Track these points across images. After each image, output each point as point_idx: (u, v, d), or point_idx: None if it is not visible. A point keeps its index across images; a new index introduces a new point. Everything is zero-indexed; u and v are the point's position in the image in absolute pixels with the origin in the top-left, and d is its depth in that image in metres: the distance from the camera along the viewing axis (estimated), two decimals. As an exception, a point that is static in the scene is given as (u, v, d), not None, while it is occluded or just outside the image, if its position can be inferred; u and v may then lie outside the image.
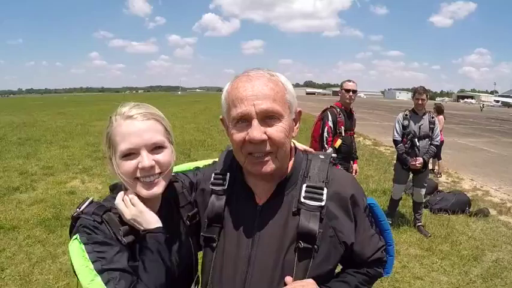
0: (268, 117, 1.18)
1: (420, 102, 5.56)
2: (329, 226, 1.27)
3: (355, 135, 5.65)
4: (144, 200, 1.28)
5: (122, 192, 1.30)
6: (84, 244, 1.15)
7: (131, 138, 1.22)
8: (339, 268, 1.47)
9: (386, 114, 33.35)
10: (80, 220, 1.21)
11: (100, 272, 1.13)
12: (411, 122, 5.66)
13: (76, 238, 1.17)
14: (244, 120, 1.18)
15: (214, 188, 1.39)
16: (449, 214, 6.62)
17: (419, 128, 5.62)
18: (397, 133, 5.74)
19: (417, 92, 5.60)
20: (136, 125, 1.24)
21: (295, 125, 1.31)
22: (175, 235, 1.38)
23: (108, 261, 1.14)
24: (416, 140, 5.62)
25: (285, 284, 1.24)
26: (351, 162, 5.55)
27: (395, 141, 5.82)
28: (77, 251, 1.16)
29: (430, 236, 5.70)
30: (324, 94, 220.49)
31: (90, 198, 1.28)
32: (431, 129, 5.65)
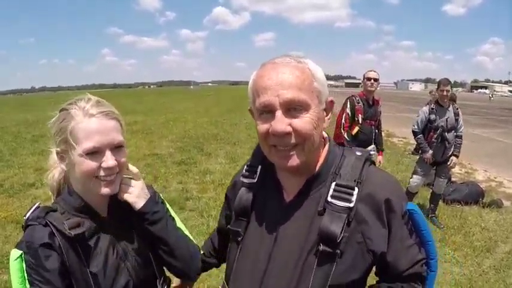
0: (293, 108, 1.09)
1: (445, 93, 5.45)
2: (357, 231, 1.15)
3: (379, 126, 5.71)
4: (97, 198, 1.30)
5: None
6: (28, 267, 1.15)
7: (97, 136, 1.21)
8: (373, 280, 1.33)
9: (399, 105, 33.06)
10: (28, 230, 1.20)
11: None
12: (438, 116, 5.55)
13: (21, 256, 1.16)
14: (269, 111, 1.11)
15: (244, 180, 1.34)
16: (462, 205, 6.57)
17: (447, 121, 5.54)
18: (418, 125, 5.66)
19: (441, 84, 5.49)
20: (102, 124, 1.23)
21: (327, 115, 1.21)
22: (129, 238, 1.38)
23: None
24: (445, 133, 5.55)
25: None
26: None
27: (414, 132, 5.73)
28: (18, 269, 1.16)
29: (443, 227, 5.68)
30: (337, 86, 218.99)
31: (37, 203, 1.27)
32: (457, 121, 5.60)
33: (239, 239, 1.29)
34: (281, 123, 1.08)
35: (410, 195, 6.01)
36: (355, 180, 1.17)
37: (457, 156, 5.72)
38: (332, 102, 1.22)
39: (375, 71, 5.38)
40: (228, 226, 1.35)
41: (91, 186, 1.24)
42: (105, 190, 1.25)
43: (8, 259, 1.21)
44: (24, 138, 14.61)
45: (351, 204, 1.14)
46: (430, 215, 5.92)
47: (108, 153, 1.23)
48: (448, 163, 5.70)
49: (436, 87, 5.77)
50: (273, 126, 1.09)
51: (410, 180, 6.01)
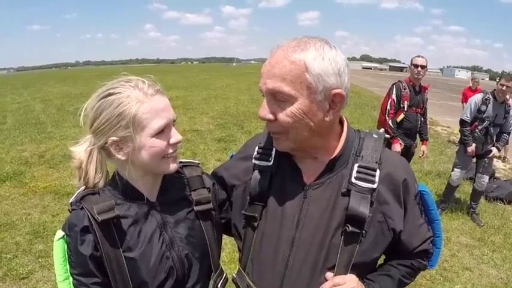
0: (277, 98, 1.09)
1: (505, 88, 5.07)
2: (379, 211, 1.19)
3: (425, 115, 5.40)
4: (150, 183, 1.27)
5: None
6: (68, 248, 1.19)
7: (164, 113, 1.17)
8: (381, 259, 1.40)
9: (444, 92, 31.71)
10: (71, 213, 1.20)
11: (73, 275, 1.19)
12: (489, 108, 5.21)
13: (63, 237, 1.20)
14: (263, 96, 1.15)
15: (257, 163, 1.30)
16: (504, 204, 6.28)
17: (496, 116, 5.22)
18: (469, 114, 5.33)
19: (503, 78, 5.10)
20: (164, 100, 1.20)
21: (331, 108, 1.12)
22: (179, 226, 1.31)
23: (83, 274, 1.18)
24: (491, 128, 5.27)
25: (326, 280, 1.18)
26: (416, 141, 5.43)
27: (463, 122, 5.38)
28: (61, 249, 1.20)
29: (483, 226, 5.44)
30: (381, 69, 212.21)
31: (82, 187, 1.23)
32: (505, 118, 5.26)
33: (255, 224, 1.28)
34: (263, 109, 1.13)
35: (452, 188, 5.80)
36: (376, 162, 1.20)
37: (498, 149, 5.43)
38: (339, 95, 1.10)
39: (422, 57, 5.08)
40: (243, 211, 1.31)
41: (160, 166, 1.21)
42: (173, 166, 1.24)
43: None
44: (67, 110, 14.94)
45: (374, 186, 1.17)
46: (470, 213, 5.70)
47: (173, 128, 1.22)
48: (488, 154, 5.39)
49: (498, 79, 5.34)
50: (258, 111, 1.14)
51: (452, 173, 5.73)
